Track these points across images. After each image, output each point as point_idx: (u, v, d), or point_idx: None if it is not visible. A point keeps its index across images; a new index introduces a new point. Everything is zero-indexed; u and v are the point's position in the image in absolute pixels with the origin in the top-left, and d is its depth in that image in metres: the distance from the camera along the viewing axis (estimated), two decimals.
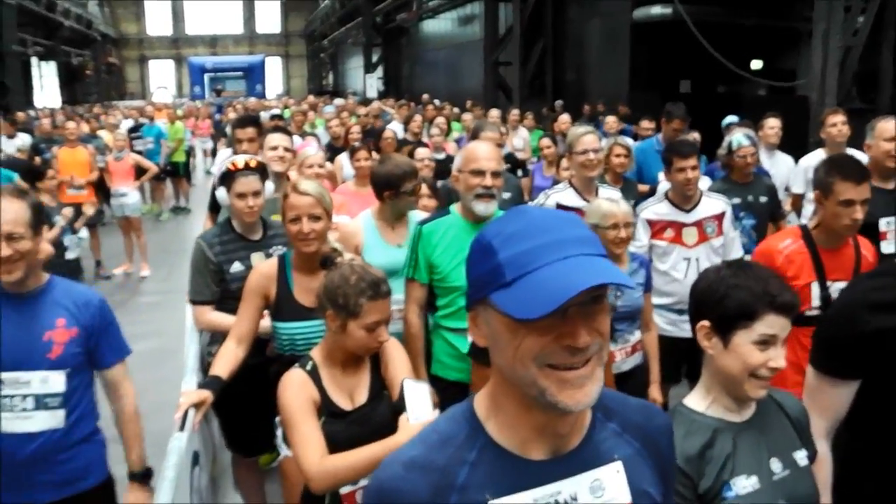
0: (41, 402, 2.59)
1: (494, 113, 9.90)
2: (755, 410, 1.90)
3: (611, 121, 9.24)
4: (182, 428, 2.81)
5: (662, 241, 4.24)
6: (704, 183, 8.36)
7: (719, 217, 4.26)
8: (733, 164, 5.01)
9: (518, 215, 1.21)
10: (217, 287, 3.50)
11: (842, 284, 3.05)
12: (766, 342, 1.80)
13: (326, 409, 2.42)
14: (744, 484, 1.79)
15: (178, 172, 14.41)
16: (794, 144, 7.00)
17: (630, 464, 1.27)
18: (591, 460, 1.24)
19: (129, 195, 10.04)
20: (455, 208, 3.46)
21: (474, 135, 5.16)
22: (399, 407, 2.38)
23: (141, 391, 5.89)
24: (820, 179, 3.15)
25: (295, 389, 2.41)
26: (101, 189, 10.71)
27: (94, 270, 9.74)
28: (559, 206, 4.28)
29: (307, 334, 2.97)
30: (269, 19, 54.12)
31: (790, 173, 6.16)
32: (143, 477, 2.84)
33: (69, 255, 6.83)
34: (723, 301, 1.83)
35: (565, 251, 1.12)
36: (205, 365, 3.65)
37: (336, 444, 2.33)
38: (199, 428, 3.26)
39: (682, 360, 4.03)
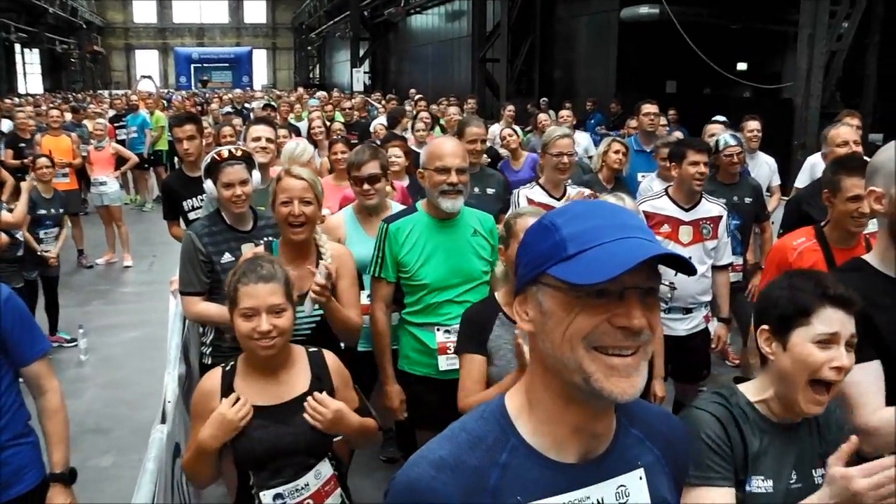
0: None
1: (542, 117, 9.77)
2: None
3: (564, 115, 9.14)
4: (164, 420, 2.81)
5: (657, 236, 4.26)
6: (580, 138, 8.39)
7: (716, 220, 4.28)
8: (719, 164, 5.04)
9: (583, 203, 1.26)
10: (207, 278, 3.45)
11: None
12: (826, 341, 1.77)
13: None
14: (758, 484, 1.81)
15: (160, 161, 14.32)
16: (779, 146, 7.07)
17: (651, 471, 1.27)
18: (617, 466, 1.24)
19: (108, 184, 10.00)
20: (421, 205, 3.44)
21: (460, 129, 5.15)
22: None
23: (124, 381, 5.95)
24: (828, 178, 3.25)
25: (197, 390, 2.46)
26: (84, 178, 10.67)
27: (77, 260, 9.69)
28: (529, 202, 4.34)
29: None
30: (257, 10, 53.80)
31: (772, 174, 6.23)
32: (66, 479, 2.63)
33: (44, 247, 6.79)
34: (778, 302, 1.83)
35: (627, 232, 1.14)
36: (201, 363, 3.61)
37: (252, 440, 2.31)
38: (180, 419, 3.26)
39: (667, 360, 4.06)
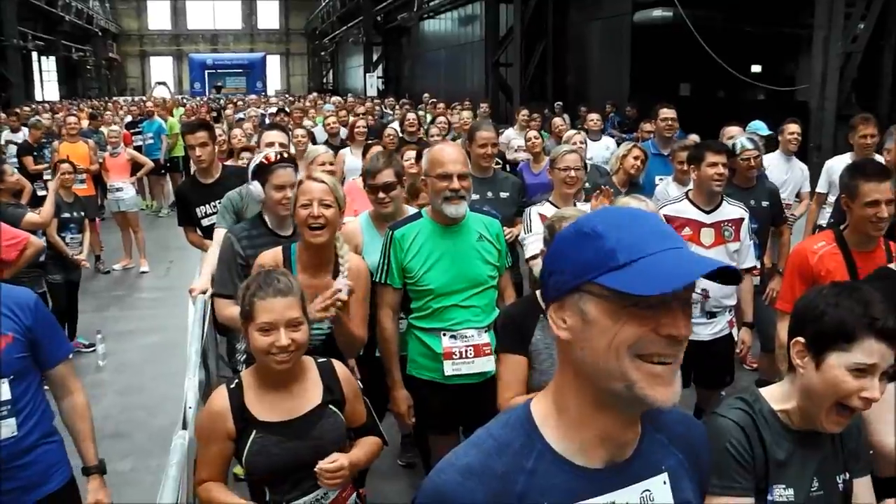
0: None
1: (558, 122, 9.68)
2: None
3: (594, 118, 9.10)
4: (185, 426, 2.82)
5: None
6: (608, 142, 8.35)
7: (737, 222, 4.27)
8: (736, 167, 4.98)
9: (615, 209, 1.26)
10: (242, 282, 3.49)
11: None
12: (862, 370, 1.70)
13: (252, 424, 2.34)
14: (780, 493, 1.78)
15: (177, 168, 14.39)
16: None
17: (674, 475, 1.28)
18: (642, 471, 1.25)
19: (124, 190, 10.08)
20: (426, 211, 3.44)
21: (470, 134, 5.14)
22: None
23: (142, 387, 5.99)
24: (845, 184, 3.26)
25: (205, 412, 2.41)
26: (100, 184, 10.76)
27: (94, 265, 9.76)
28: (542, 217, 4.28)
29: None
30: (270, 16, 54.10)
31: (804, 179, 6.22)
32: (103, 470, 2.77)
33: (70, 253, 6.83)
34: (821, 318, 1.74)
35: (669, 242, 1.15)
36: (235, 372, 3.62)
37: (271, 456, 2.30)
38: None
39: (690, 365, 4.04)
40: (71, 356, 2.78)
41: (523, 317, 2.83)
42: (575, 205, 4.41)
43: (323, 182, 3.05)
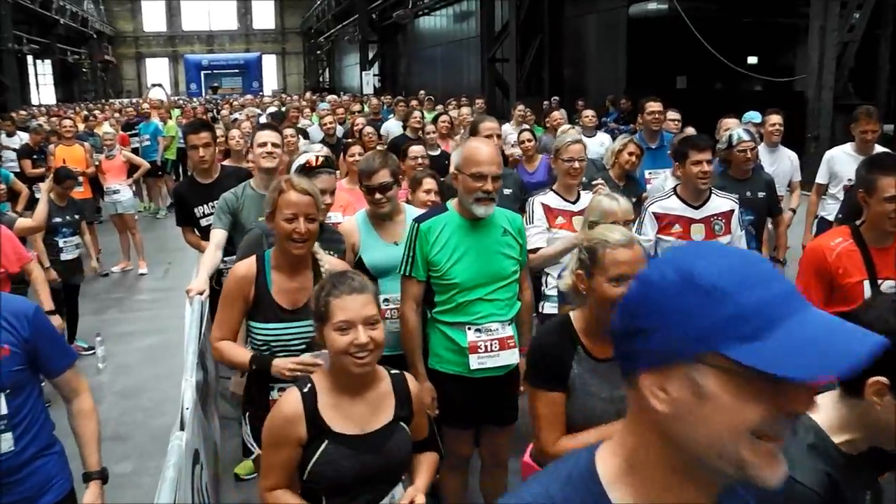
0: None
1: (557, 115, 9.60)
2: None
3: (589, 115, 9.05)
4: (182, 427, 2.80)
5: (670, 237, 4.24)
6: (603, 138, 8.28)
7: (727, 215, 4.25)
8: (732, 159, 4.99)
9: (717, 250, 1.03)
10: None
11: (892, 283, 3.11)
12: None
13: (325, 434, 2.28)
14: None
15: (166, 170, 14.38)
16: (791, 140, 7.02)
17: None
18: None
19: (121, 192, 10.06)
20: (452, 205, 3.41)
21: (473, 129, 5.09)
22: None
23: (141, 389, 5.98)
24: (862, 178, 3.20)
25: (276, 416, 2.32)
26: (97, 186, 10.75)
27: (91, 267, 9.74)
28: (545, 208, 4.32)
29: (283, 337, 2.94)
30: (265, 16, 54.06)
31: (793, 169, 6.19)
32: (104, 477, 2.70)
33: (66, 257, 6.81)
34: None
35: (798, 300, 0.98)
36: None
37: (339, 469, 2.26)
38: (199, 426, 3.26)
39: None
40: (76, 363, 2.71)
41: (559, 350, 2.58)
42: (579, 195, 4.39)
43: (308, 194, 2.96)
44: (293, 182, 3.03)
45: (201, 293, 3.95)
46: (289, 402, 2.32)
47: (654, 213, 4.24)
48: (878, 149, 5.39)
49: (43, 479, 2.59)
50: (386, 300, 3.55)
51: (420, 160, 4.83)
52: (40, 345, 2.51)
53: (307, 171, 3.55)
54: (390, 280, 3.60)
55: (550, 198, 4.40)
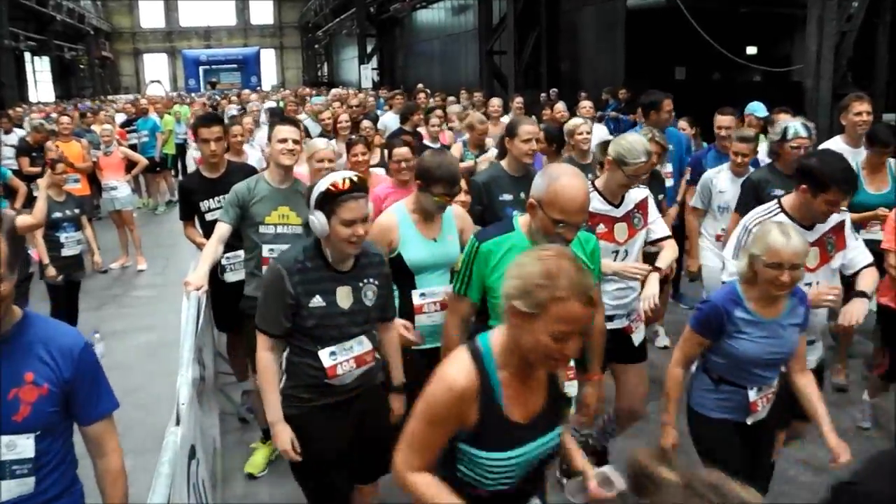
0: (6, 471, 2.18)
1: (496, 102, 9.58)
2: None
3: (587, 106, 9.01)
4: (178, 422, 2.80)
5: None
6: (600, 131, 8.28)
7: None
8: (782, 153, 4.67)
9: None
10: (289, 323, 3.01)
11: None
12: None
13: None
14: None
15: (166, 165, 14.36)
16: None
17: None
18: None
19: (119, 188, 10.07)
20: (520, 226, 3.09)
21: (510, 131, 4.63)
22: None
23: (139, 385, 5.96)
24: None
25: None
26: (95, 183, 10.74)
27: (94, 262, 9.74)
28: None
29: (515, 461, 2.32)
30: (263, 11, 53.93)
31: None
32: None
33: (67, 252, 6.79)
34: None
35: None
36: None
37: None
38: (195, 421, 3.25)
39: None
40: (112, 413, 2.41)
41: None
42: (623, 198, 4.00)
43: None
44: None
45: (198, 288, 3.93)
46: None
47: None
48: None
49: None
50: (423, 294, 3.53)
51: (404, 164, 4.69)
52: (78, 387, 2.28)
53: (331, 197, 2.92)
54: (428, 274, 3.57)
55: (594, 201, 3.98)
